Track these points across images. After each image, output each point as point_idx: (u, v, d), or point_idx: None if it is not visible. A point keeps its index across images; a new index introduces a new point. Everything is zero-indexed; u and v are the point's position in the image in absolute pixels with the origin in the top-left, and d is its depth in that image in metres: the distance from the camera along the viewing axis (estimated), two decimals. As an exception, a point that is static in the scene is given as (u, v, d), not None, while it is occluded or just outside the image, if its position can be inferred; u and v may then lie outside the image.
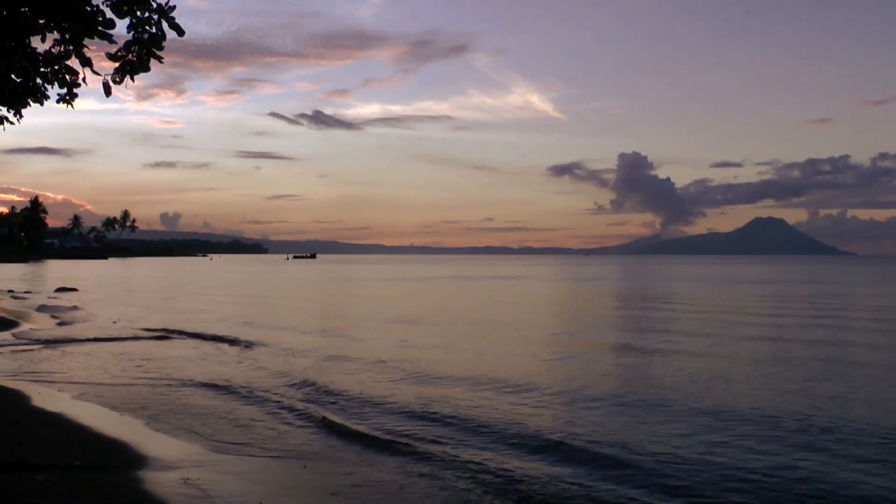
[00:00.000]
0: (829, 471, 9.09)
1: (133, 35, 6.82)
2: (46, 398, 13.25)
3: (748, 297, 46.29)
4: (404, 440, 10.57)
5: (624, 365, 17.84)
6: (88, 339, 22.42)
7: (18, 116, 7.85)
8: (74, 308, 34.95)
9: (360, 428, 11.28)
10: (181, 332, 24.29)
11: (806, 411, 12.28)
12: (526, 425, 11.33)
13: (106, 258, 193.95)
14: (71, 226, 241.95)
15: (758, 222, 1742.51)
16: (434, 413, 12.24)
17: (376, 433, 10.96)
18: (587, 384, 14.90)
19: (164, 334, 23.85)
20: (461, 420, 11.76)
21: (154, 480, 8.57)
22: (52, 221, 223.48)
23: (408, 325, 27.74)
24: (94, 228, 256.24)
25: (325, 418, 11.86)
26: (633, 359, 18.62)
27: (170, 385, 15.03)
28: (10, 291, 48.07)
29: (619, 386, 14.91)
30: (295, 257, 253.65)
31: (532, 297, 47.51)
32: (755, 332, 24.90)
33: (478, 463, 9.41)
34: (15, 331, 24.71)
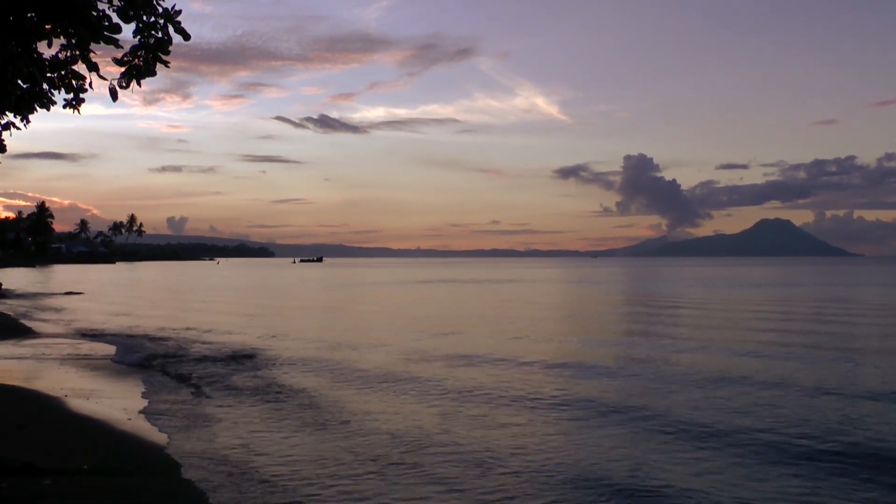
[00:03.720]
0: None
1: (139, 40, 6.83)
2: (54, 403, 13.27)
3: (762, 302, 46.13)
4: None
5: (639, 368, 17.81)
6: (103, 357, 22.45)
7: (25, 122, 7.86)
8: (83, 313, 35.05)
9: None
10: (190, 340, 24.34)
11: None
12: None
13: (113, 262, 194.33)
14: (78, 230, 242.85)
15: (764, 224, 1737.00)
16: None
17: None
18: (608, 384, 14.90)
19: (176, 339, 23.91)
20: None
21: (162, 484, 8.57)
22: (59, 226, 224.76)
23: (432, 331, 27.73)
24: (100, 233, 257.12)
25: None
26: (650, 364, 18.61)
27: (177, 386, 15.05)
28: (17, 296, 48.30)
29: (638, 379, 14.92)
30: (302, 261, 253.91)
31: (551, 301, 47.44)
32: (776, 337, 24.82)
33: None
34: (23, 337, 24.81)
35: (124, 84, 6.97)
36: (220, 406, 13.26)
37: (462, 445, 10.40)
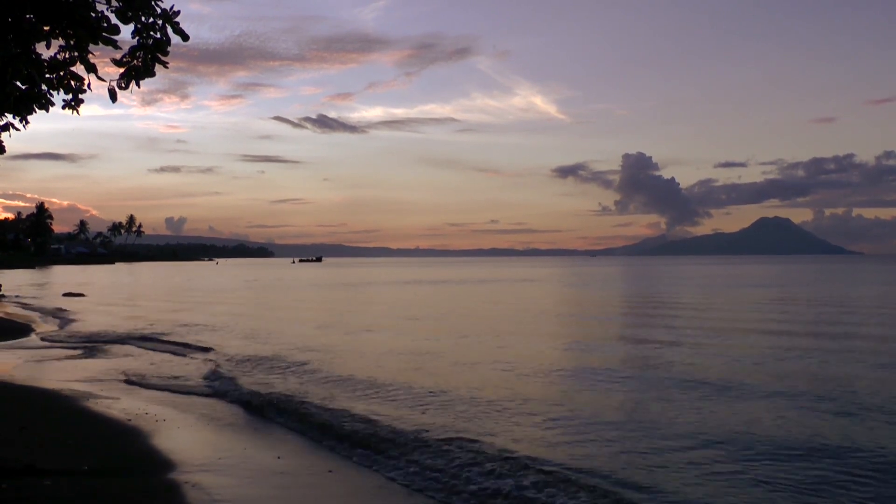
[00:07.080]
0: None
1: (138, 40, 6.82)
2: (55, 404, 13.27)
3: (765, 300, 46.17)
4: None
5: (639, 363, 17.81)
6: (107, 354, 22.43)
7: (24, 123, 7.85)
8: (83, 314, 35.02)
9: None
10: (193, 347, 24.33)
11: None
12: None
13: (113, 263, 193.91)
14: (77, 231, 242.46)
15: (763, 222, 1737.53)
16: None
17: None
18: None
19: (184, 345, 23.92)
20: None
21: (161, 485, 8.57)
22: (59, 227, 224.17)
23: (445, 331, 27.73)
24: (100, 234, 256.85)
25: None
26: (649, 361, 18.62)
27: (178, 389, 15.06)
28: (17, 297, 48.21)
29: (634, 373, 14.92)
30: (301, 261, 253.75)
31: (556, 300, 47.47)
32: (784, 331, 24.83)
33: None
34: (23, 338, 24.81)
35: (123, 85, 6.97)
36: (219, 409, 13.28)
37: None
